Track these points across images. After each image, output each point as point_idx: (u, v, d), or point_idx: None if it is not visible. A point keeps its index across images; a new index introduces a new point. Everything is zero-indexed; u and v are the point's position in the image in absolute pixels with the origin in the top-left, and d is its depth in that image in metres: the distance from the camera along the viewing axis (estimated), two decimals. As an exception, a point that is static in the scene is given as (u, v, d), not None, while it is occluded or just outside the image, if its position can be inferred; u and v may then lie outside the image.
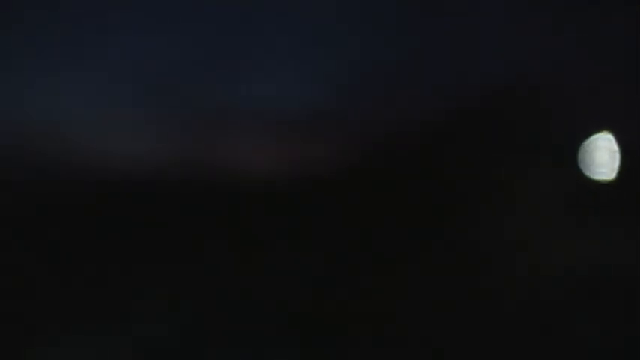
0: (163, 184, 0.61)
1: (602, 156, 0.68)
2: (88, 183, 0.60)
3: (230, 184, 0.61)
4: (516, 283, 0.66)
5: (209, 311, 0.59)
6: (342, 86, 0.62)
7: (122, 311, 0.58)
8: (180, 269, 0.60)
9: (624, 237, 0.64)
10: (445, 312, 0.60)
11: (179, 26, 0.62)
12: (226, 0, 0.63)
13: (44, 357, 0.57)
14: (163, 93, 0.59)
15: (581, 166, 0.68)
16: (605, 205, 0.65)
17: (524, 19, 0.65)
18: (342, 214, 0.62)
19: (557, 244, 0.67)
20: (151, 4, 0.61)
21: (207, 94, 0.62)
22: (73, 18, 0.61)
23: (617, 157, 0.67)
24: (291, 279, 0.60)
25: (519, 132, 0.68)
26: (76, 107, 0.60)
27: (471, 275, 0.63)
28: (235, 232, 0.61)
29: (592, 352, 0.61)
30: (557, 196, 0.67)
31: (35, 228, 0.59)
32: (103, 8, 0.60)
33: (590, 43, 0.66)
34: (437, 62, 0.64)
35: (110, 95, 0.61)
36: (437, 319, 0.61)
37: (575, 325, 0.62)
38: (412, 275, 0.62)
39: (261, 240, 0.60)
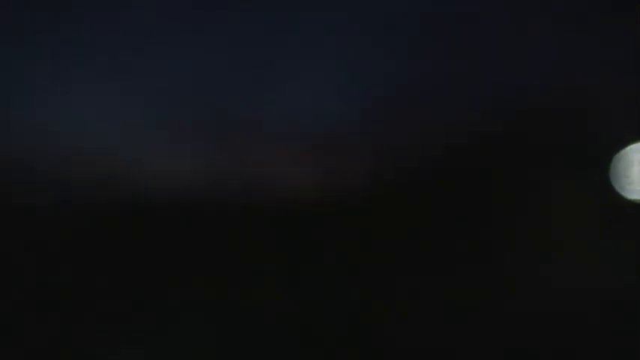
0: (197, 201, 0.61)
1: (636, 170, 0.63)
2: (122, 202, 0.61)
3: (264, 200, 0.60)
4: (533, 295, 0.66)
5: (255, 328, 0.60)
6: (374, 101, 0.59)
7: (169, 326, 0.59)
8: (219, 286, 0.61)
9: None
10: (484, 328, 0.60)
11: (211, 42, 0.59)
12: (258, 16, 0.59)
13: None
14: (195, 109, 0.58)
15: (613, 181, 0.64)
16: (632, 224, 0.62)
17: (556, 28, 0.60)
18: (376, 229, 0.61)
19: (578, 259, 0.66)
20: (183, 20, 0.58)
21: (240, 110, 0.60)
22: (105, 38, 0.59)
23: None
24: (333, 291, 0.60)
25: (547, 142, 0.64)
26: (107, 125, 0.59)
27: (494, 288, 0.63)
28: (267, 247, 0.60)
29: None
30: (583, 211, 0.64)
31: (72, 249, 0.60)
32: (134, 26, 0.58)
33: (624, 51, 0.61)
34: (469, 75, 0.60)
35: (141, 112, 0.60)
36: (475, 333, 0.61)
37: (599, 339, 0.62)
38: (448, 287, 0.62)
39: (296, 254, 0.60)
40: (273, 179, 0.58)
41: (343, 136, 0.56)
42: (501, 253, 0.59)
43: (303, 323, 0.55)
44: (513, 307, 0.58)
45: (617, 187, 0.62)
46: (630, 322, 0.59)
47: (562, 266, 0.62)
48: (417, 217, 0.57)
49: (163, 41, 0.58)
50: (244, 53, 0.58)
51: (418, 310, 0.57)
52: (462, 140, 0.59)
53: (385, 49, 0.57)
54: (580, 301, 0.61)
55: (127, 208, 0.57)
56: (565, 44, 0.59)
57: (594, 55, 0.61)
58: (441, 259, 0.58)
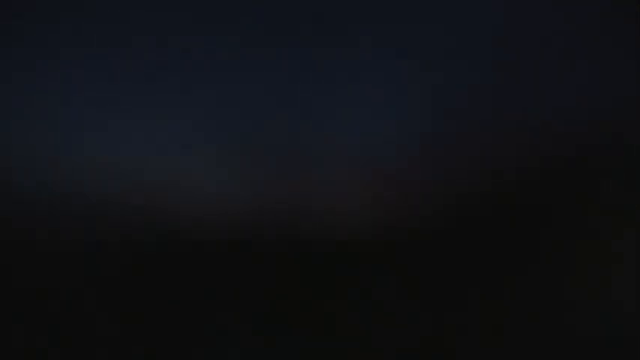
0: (254, 232, 0.61)
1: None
2: (175, 232, 0.62)
3: (325, 232, 0.60)
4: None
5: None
6: (436, 128, 0.58)
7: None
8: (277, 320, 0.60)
9: None
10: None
11: (267, 71, 0.59)
12: (317, 41, 0.59)
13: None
14: (253, 138, 0.58)
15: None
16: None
17: (609, 67, 0.57)
18: (442, 258, 0.60)
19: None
20: (239, 46, 0.59)
21: (298, 139, 0.60)
22: (155, 67, 0.59)
23: None
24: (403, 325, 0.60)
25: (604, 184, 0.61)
26: (161, 156, 0.60)
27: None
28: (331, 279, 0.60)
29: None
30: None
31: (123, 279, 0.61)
32: (184, 55, 0.58)
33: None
34: (526, 108, 0.58)
35: (196, 142, 0.60)
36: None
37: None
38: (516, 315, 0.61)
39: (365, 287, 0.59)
40: (329, 208, 0.57)
41: (406, 164, 0.55)
42: (552, 296, 0.57)
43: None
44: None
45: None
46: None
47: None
48: (483, 245, 0.56)
49: (213, 65, 0.59)
50: (298, 81, 0.58)
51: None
52: (522, 173, 0.57)
53: (444, 75, 0.56)
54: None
55: (174, 236, 0.58)
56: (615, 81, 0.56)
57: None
58: (507, 289, 0.56)
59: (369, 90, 0.61)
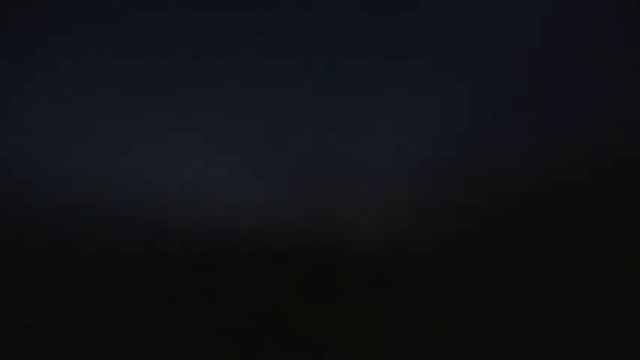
0: (277, 244, 0.58)
1: None
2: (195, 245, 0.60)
3: (346, 246, 0.57)
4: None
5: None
6: (460, 140, 0.55)
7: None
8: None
9: None
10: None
11: (283, 82, 0.58)
12: (338, 52, 0.58)
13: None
14: (275, 147, 0.57)
15: None
16: None
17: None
18: (467, 273, 0.55)
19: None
20: (257, 57, 0.59)
21: (319, 149, 0.58)
22: (175, 75, 0.60)
23: None
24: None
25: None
26: (181, 165, 0.59)
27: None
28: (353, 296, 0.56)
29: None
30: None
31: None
32: (203, 65, 0.58)
33: None
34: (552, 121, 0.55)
35: (218, 151, 0.59)
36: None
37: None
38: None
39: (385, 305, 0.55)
40: (356, 224, 0.54)
41: (431, 176, 0.52)
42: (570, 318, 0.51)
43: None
44: None
45: None
46: None
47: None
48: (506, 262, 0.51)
49: (242, 78, 0.58)
50: (327, 95, 0.56)
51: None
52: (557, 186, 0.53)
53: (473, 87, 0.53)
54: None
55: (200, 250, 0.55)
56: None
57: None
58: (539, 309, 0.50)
59: (396, 98, 0.59)
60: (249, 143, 0.60)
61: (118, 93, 0.59)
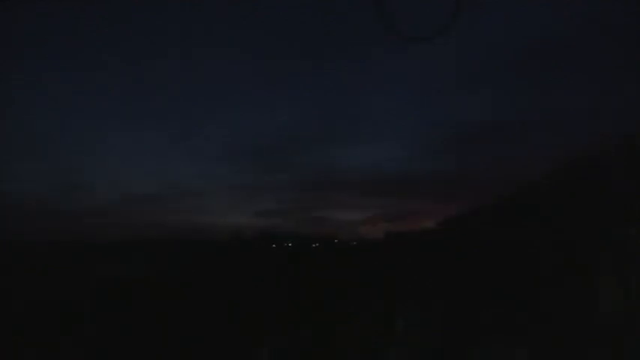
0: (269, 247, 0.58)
1: None
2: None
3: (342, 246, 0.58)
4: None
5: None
6: (448, 146, 0.57)
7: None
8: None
9: None
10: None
11: (282, 99, 0.59)
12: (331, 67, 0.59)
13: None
14: (269, 159, 0.57)
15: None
16: None
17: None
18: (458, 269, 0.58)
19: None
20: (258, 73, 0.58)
21: (312, 160, 0.59)
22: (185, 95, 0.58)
23: None
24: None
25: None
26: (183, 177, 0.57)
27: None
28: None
29: None
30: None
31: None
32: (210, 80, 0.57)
33: None
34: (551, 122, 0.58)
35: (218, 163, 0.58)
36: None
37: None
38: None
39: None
40: (348, 228, 0.55)
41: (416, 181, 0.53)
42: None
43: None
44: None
45: None
46: None
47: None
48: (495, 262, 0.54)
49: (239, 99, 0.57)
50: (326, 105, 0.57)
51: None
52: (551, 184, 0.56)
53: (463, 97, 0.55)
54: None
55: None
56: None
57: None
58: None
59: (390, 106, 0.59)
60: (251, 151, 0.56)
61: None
